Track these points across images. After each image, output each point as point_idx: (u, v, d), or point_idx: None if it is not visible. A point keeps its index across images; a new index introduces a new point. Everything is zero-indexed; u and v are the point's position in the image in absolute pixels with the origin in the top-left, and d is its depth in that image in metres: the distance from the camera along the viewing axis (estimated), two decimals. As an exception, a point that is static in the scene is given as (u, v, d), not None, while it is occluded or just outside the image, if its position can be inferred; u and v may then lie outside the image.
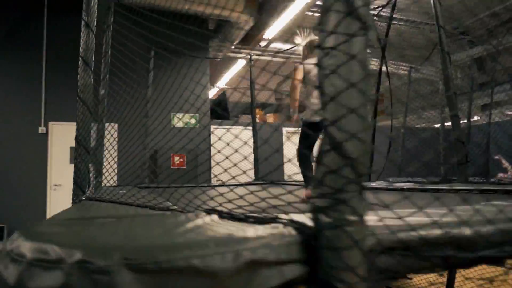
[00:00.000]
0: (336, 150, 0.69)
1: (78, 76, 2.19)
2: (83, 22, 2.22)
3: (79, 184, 2.10)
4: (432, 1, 3.56)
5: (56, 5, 5.99)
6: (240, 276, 0.64)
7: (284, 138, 8.11)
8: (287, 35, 7.37)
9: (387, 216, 0.80)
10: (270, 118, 10.82)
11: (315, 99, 2.56)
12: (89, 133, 2.22)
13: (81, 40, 2.20)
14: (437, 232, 0.80)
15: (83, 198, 1.99)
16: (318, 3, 6.83)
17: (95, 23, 2.29)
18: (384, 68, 4.18)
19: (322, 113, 0.68)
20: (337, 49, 0.70)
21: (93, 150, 3.08)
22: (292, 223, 0.76)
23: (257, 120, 11.09)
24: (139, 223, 1.00)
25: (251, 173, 7.91)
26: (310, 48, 2.75)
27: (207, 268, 0.62)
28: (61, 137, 5.77)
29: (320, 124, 2.40)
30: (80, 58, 2.19)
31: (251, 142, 6.48)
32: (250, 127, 6.86)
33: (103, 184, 2.55)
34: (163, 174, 6.41)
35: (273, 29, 7.02)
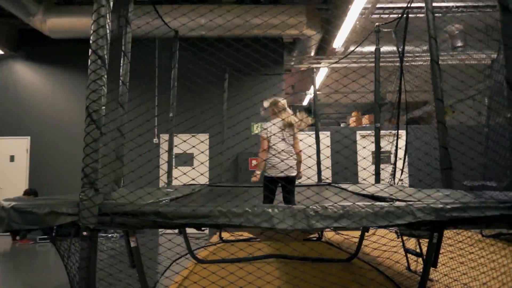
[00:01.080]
0: (82, 171, 1.71)
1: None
2: (120, 83, 3.61)
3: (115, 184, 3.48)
4: (426, 11, 3.65)
5: (162, 42, 8.01)
6: (49, 216, 1.74)
7: (358, 143, 8.35)
8: (358, 38, 7.60)
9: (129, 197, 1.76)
10: (365, 119, 10.92)
11: (273, 159, 3.25)
12: (122, 148, 3.58)
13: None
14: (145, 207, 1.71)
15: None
16: (379, 5, 6.97)
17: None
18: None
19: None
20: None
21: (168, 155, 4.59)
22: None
23: (353, 122, 11.33)
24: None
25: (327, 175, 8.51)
26: (273, 109, 3.37)
27: (36, 212, 1.74)
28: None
29: (279, 178, 3.14)
30: (119, 105, 3.58)
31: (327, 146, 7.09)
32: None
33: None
34: (243, 175, 7.67)
35: (340, 38, 7.43)
